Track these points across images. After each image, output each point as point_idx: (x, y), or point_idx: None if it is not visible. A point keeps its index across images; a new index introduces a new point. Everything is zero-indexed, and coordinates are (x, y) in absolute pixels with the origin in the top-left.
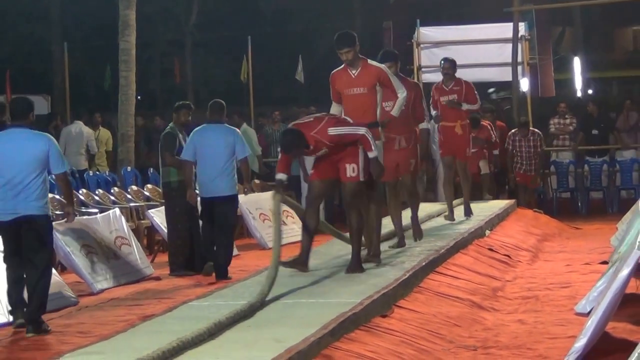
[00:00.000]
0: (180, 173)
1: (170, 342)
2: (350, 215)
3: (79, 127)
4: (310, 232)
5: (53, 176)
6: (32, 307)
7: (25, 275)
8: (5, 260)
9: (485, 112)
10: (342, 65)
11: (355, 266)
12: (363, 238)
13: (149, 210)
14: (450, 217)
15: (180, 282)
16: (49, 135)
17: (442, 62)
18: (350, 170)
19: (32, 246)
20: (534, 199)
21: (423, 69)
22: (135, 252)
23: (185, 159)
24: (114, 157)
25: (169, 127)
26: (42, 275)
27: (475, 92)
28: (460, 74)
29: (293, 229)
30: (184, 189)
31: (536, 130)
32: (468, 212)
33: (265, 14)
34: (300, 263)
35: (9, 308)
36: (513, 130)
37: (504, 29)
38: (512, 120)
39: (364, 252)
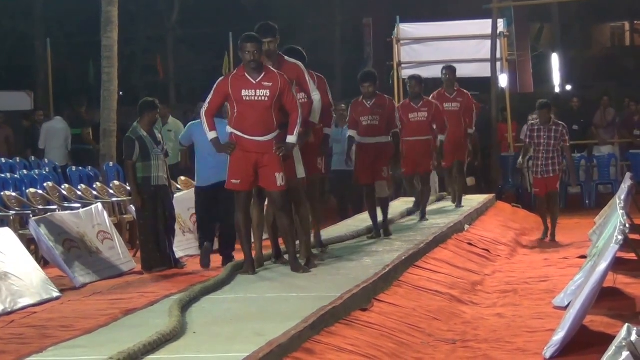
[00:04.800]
0: (145, 170)
1: (151, 336)
2: (281, 219)
3: (60, 123)
4: (247, 237)
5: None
6: (228, 248)
7: (219, 226)
8: (199, 217)
9: None
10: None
11: (295, 265)
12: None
13: (131, 205)
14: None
15: (161, 277)
16: None
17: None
18: (280, 179)
19: (226, 203)
20: (556, 208)
21: (403, 65)
22: (117, 246)
23: None
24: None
25: (131, 127)
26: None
27: (308, 81)
28: (439, 70)
29: None
30: (147, 185)
31: (560, 122)
32: (275, 254)
33: (247, 10)
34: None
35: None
36: (533, 120)
37: (483, 26)
38: (489, 117)
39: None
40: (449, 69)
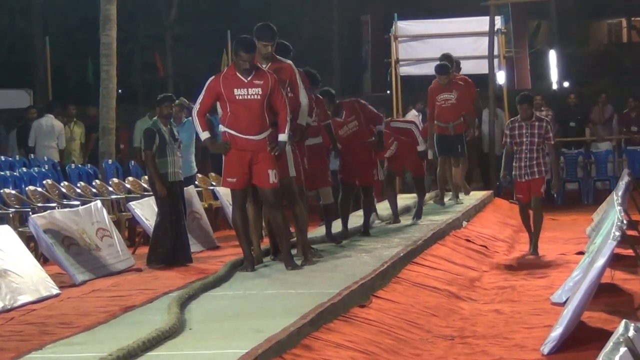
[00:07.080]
0: (162, 166)
1: (150, 333)
2: (274, 216)
3: (50, 120)
4: (245, 235)
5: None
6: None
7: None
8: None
9: None
10: None
11: (289, 262)
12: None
13: (130, 203)
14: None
15: (161, 274)
16: None
17: None
18: (273, 176)
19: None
20: (539, 216)
21: (401, 63)
22: (116, 243)
23: None
24: (96, 149)
25: (151, 121)
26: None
27: (299, 82)
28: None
29: None
30: (164, 182)
31: (543, 116)
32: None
33: (245, 7)
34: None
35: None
36: (512, 119)
37: (481, 23)
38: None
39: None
40: (444, 67)
